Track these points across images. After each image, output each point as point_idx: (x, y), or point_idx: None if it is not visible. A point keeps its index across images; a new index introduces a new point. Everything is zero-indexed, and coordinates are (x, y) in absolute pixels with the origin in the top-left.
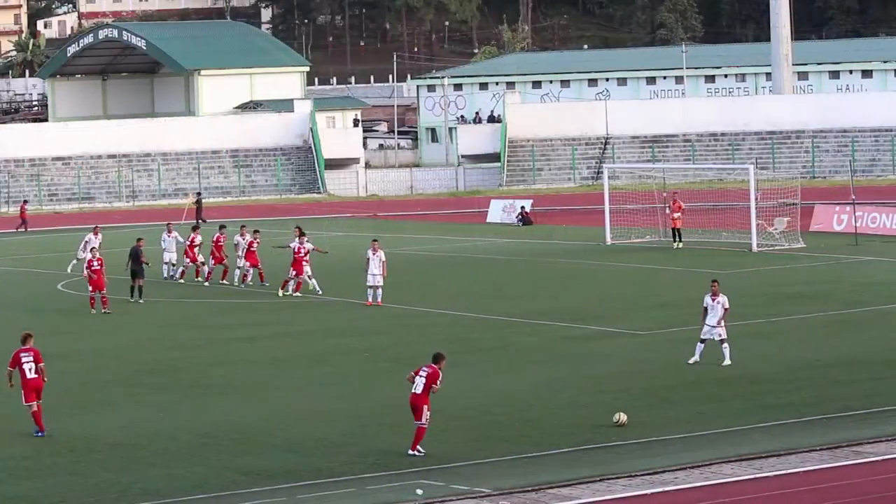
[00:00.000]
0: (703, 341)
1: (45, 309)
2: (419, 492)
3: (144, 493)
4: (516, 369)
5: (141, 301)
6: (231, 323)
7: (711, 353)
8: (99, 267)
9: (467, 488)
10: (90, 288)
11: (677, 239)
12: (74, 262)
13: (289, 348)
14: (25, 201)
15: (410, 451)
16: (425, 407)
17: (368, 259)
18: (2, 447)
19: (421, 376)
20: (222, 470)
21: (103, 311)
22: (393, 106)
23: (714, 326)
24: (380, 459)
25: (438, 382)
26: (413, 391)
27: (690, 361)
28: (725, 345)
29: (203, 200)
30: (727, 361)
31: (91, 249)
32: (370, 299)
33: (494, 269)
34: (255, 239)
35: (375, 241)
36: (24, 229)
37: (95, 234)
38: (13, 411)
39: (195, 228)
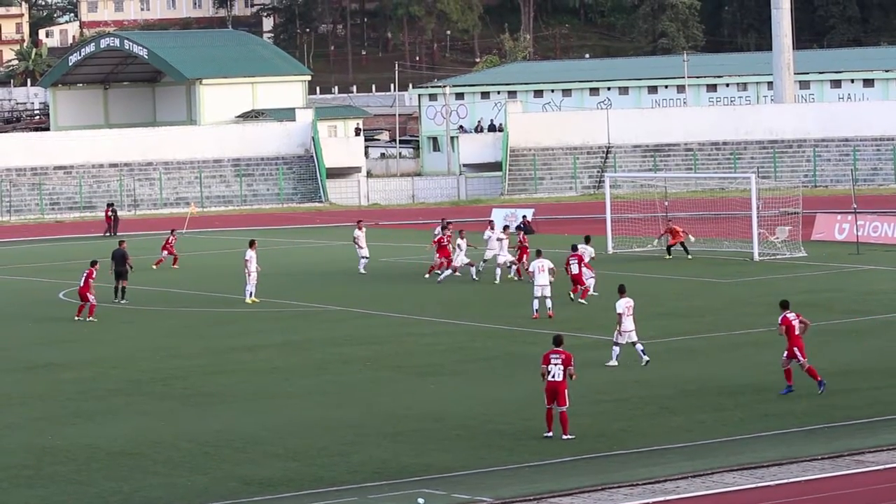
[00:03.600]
0: (619, 345)
1: (47, 318)
2: (421, 501)
3: (146, 502)
4: (518, 378)
5: (124, 301)
6: (232, 332)
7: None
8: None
9: (469, 497)
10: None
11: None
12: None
13: (290, 357)
14: (110, 204)
15: (566, 437)
16: (566, 392)
17: (534, 272)
18: (3, 456)
19: (556, 363)
20: (224, 479)
21: (89, 318)
22: (394, 115)
23: (632, 330)
24: (381, 468)
25: (573, 367)
26: (551, 379)
27: (609, 364)
28: (639, 345)
29: (118, 212)
30: (646, 359)
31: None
32: (537, 311)
33: (496, 277)
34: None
35: (540, 252)
36: (109, 233)
37: (360, 228)
38: (15, 420)
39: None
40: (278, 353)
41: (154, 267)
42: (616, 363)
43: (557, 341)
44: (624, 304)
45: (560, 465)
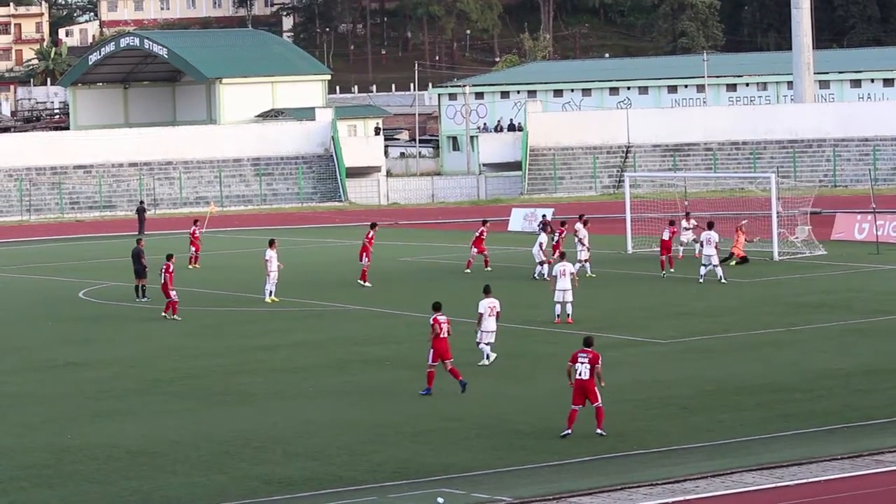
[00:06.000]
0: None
1: (66, 317)
2: (440, 500)
3: (165, 502)
4: (537, 378)
5: (145, 300)
6: (251, 331)
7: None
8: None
9: (488, 497)
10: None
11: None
12: None
13: (309, 357)
14: (142, 201)
15: (599, 431)
16: (596, 389)
17: (556, 277)
18: (23, 455)
19: (583, 362)
20: (243, 478)
21: (173, 316)
22: (414, 114)
23: (493, 331)
24: (401, 468)
25: (600, 363)
26: (579, 377)
27: (481, 363)
28: (489, 348)
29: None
30: (486, 362)
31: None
32: (559, 317)
33: (515, 277)
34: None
35: (564, 255)
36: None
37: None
38: (34, 419)
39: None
40: (298, 353)
41: (190, 267)
42: (488, 361)
43: (588, 342)
44: (486, 305)
45: (579, 464)
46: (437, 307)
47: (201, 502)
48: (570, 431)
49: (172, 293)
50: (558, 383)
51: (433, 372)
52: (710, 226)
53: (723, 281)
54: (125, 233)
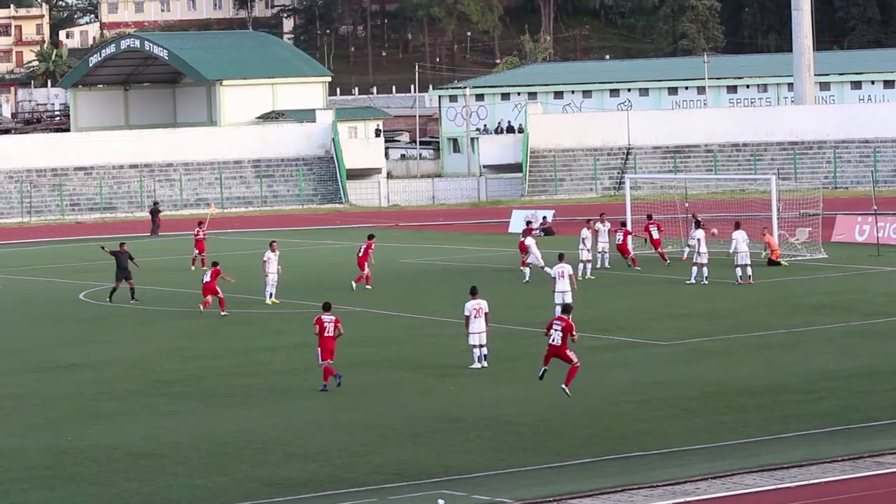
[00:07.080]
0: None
1: (67, 319)
2: (441, 502)
3: (166, 503)
4: (537, 379)
5: (133, 300)
6: (252, 333)
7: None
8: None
9: (489, 499)
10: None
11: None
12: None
13: (310, 358)
14: (156, 202)
15: (564, 388)
16: (569, 351)
17: (555, 279)
18: (24, 456)
19: (556, 330)
20: (244, 480)
21: (223, 313)
22: (415, 116)
23: (482, 332)
24: (401, 469)
25: (574, 333)
26: (551, 343)
27: (472, 367)
28: (485, 349)
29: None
30: (481, 364)
31: None
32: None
33: (515, 279)
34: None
35: (562, 256)
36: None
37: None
38: (35, 421)
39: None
40: (298, 354)
41: (192, 269)
42: (479, 365)
43: (566, 309)
44: (472, 306)
45: (580, 466)
46: (326, 307)
47: None
48: (546, 368)
49: (219, 290)
50: (558, 384)
51: (328, 368)
52: (738, 225)
53: (750, 282)
54: (125, 234)
